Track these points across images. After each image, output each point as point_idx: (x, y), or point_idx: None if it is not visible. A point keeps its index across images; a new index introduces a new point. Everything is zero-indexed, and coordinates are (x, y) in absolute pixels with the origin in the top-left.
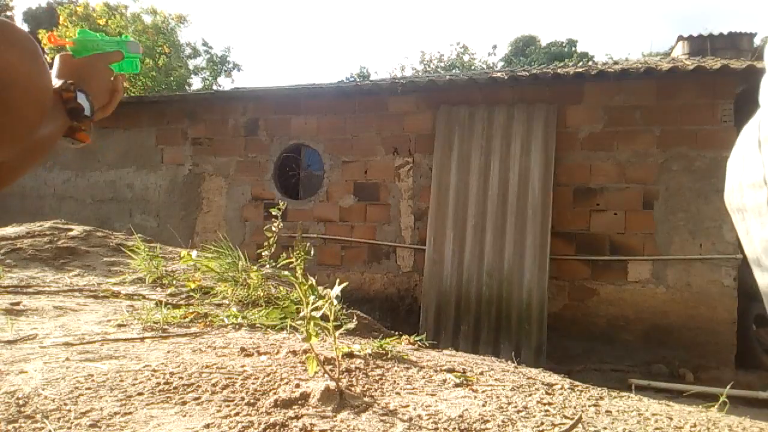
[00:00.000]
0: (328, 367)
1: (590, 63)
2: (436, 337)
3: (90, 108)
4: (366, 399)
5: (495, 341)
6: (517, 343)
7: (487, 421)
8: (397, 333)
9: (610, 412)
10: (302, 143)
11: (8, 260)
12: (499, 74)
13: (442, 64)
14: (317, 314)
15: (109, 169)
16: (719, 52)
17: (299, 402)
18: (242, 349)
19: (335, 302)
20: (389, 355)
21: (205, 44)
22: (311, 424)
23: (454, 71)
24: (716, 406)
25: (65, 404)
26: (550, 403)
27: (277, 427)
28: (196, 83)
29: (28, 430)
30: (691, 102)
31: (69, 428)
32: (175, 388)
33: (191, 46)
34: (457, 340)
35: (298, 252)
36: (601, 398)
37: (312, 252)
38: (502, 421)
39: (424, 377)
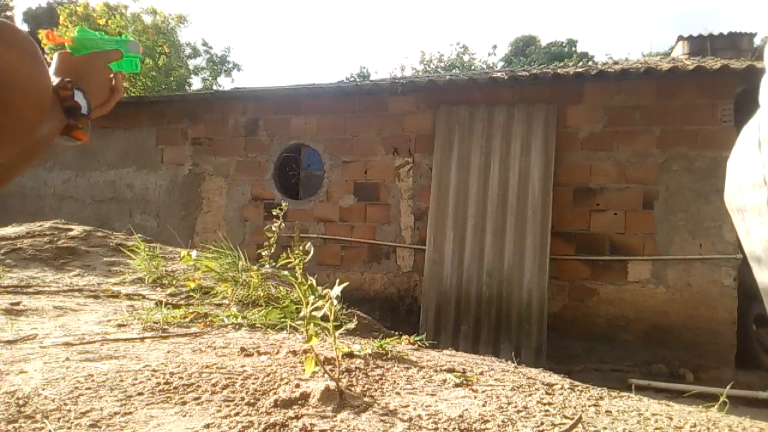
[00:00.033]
0: (328, 367)
1: (590, 63)
2: (436, 337)
3: (87, 106)
4: (366, 399)
5: (495, 341)
6: (517, 343)
7: (487, 421)
8: (397, 333)
9: (610, 412)
10: (302, 143)
11: (8, 260)
12: (499, 74)
13: (442, 64)
14: (317, 314)
15: (109, 169)
16: (719, 52)
17: (299, 402)
18: (242, 349)
19: (335, 302)
20: (389, 355)
21: (205, 44)
22: (311, 424)
23: (454, 71)
24: (716, 406)
25: (65, 404)
26: (550, 403)
27: (277, 427)
28: (196, 83)
29: (28, 430)
30: (691, 102)
31: (69, 428)
32: (175, 388)
33: (191, 46)
34: (457, 340)
35: (297, 252)
36: (601, 398)
37: (312, 252)
38: (502, 421)
39: (424, 377)
